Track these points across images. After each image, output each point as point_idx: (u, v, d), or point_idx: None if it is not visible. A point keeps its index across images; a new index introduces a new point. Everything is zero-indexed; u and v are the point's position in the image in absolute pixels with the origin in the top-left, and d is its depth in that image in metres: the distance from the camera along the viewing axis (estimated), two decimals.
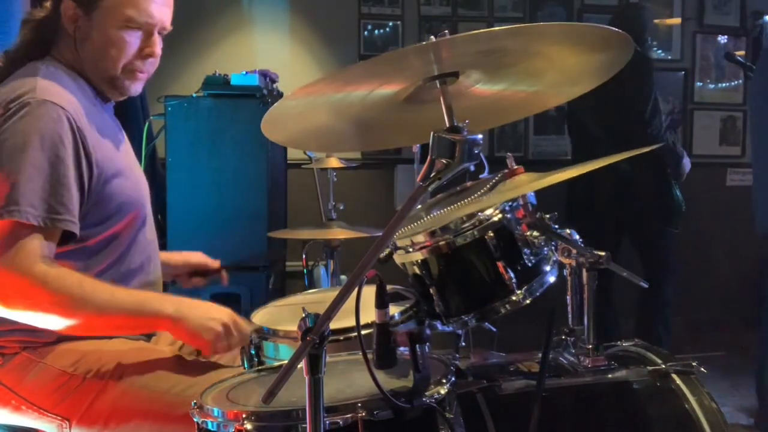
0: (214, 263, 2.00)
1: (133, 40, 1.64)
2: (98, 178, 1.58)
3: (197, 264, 1.99)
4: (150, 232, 1.77)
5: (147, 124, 3.52)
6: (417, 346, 1.20)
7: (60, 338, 1.59)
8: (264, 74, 3.65)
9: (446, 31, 1.19)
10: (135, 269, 1.69)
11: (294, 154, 4.13)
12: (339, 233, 2.90)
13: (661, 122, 3.89)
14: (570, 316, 1.52)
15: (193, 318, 1.55)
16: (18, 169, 1.47)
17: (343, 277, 3.11)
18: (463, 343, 1.72)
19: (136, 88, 1.71)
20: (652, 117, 3.75)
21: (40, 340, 1.58)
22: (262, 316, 1.64)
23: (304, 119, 1.44)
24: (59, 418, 1.55)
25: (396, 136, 1.69)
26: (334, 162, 3.14)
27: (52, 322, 1.50)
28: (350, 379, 1.28)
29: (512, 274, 1.41)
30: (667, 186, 3.82)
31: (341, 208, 3.09)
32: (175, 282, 2.02)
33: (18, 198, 1.46)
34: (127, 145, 1.79)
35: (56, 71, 1.63)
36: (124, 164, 1.69)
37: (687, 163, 3.92)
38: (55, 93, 1.55)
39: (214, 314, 1.57)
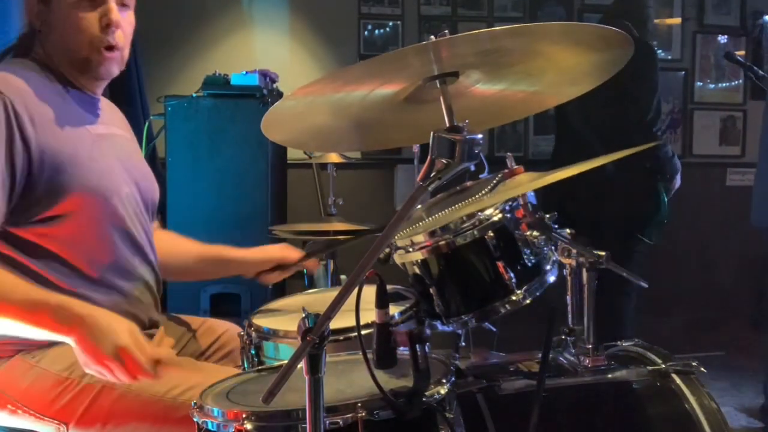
0: (294, 255, 1.91)
1: (88, 15, 1.63)
2: (40, 165, 1.54)
3: (279, 258, 1.91)
4: (135, 224, 1.71)
5: (147, 124, 3.53)
6: (417, 346, 1.20)
7: (55, 341, 1.56)
8: (264, 74, 3.65)
9: (446, 31, 1.19)
10: (120, 268, 1.65)
11: (294, 153, 4.13)
12: (339, 227, 2.90)
13: (659, 111, 3.61)
14: (570, 316, 1.52)
15: (86, 335, 1.42)
16: None
17: (343, 277, 3.11)
18: (463, 343, 1.72)
19: (107, 68, 1.68)
20: (656, 117, 3.52)
21: (35, 343, 1.56)
22: (262, 316, 1.64)
23: (304, 119, 1.44)
24: (56, 421, 1.54)
25: (396, 136, 1.69)
26: (333, 157, 3.15)
27: None
28: (350, 379, 1.28)
29: (512, 274, 1.41)
30: (653, 192, 3.55)
31: (341, 203, 3.09)
32: (257, 278, 1.93)
33: None
34: (106, 142, 1.73)
35: (18, 64, 1.64)
36: (85, 155, 1.63)
37: (678, 179, 3.66)
38: (2, 82, 1.55)
39: (108, 336, 1.41)
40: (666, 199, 3.59)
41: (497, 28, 1.19)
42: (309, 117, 1.42)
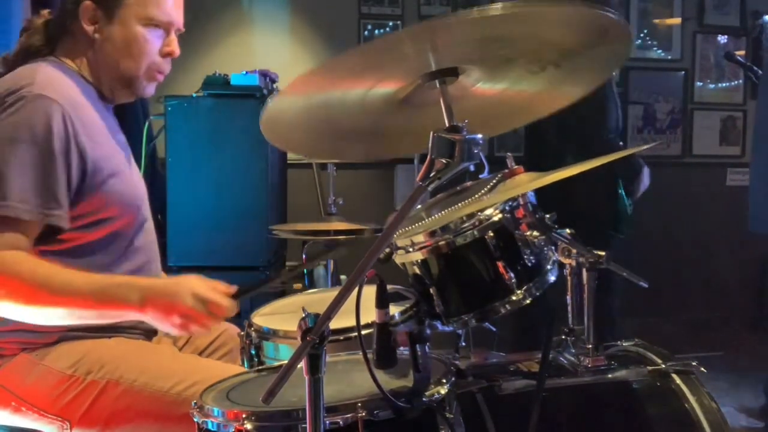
0: None
1: (155, 38, 1.66)
2: (92, 176, 1.57)
3: None
4: (149, 234, 1.76)
5: (147, 124, 3.52)
6: (417, 346, 1.20)
7: (59, 339, 1.59)
8: (264, 74, 3.65)
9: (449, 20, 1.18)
10: (133, 272, 1.68)
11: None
12: (339, 226, 2.90)
13: (619, 126, 3.54)
14: (570, 316, 1.52)
15: (159, 301, 1.46)
16: (7, 162, 1.46)
17: (343, 277, 3.11)
18: (463, 343, 1.72)
19: (150, 89, 1.73)
20: (607, 118, 3.42)
21: (40, 341, 1.58)
22: (262, 316, 1.64)
23: (304, 126, 1.43)
24: (59, 419, 1.54)
25: (397, 144, 1.68)
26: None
27: (12, 309, 1.46)
28: (350, 379, 1.28)
29: (512, 274, 1.41)
30: (611, 186, 3.48)
31: (341, 202, 3.09)
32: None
33: (8, 193, 1.45)
34: (126, 149, 1.78)
35: (58, 68, 1.63)
36: (122, 167, 1.68)
37: (646, 177, 3.53)
38: (53, 88, 1.55)
39: (181, 292, 1.46)
40: (624, 193, 3.51)
41: (492, 7, 1.12)
42: (308, 122, 1.42)
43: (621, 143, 3.55)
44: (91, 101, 1.66)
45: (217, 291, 1.47)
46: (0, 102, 1.52)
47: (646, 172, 3.52)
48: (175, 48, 1.70)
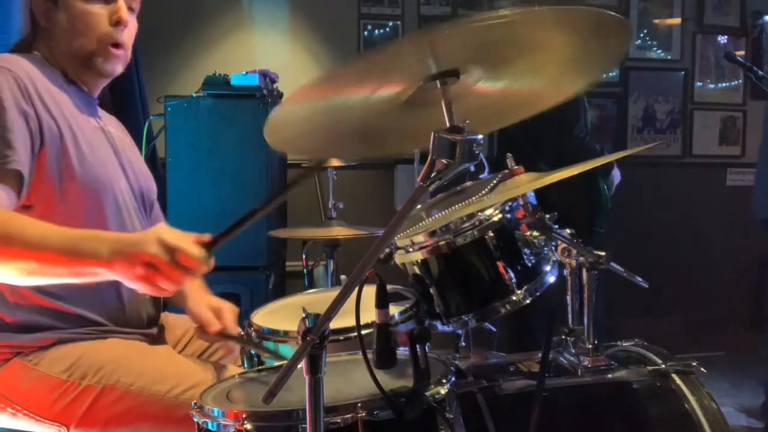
0: (215, 325, 1.71)
1: (97, 10, 1.65)
2: (50, 141, 1.54)
3: (205, 321, 1.73)
4: (132, 227, 1.70)
5: (147, 124, 3.52)
6: (417, 346, 1.20)
7: (53, 342, 1.57)
8: (264, 74, 3.65)
9: (447, 31, 1.18)
10: None
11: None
12: (339, 232, 2.89)
13: (587, 125, 3.62)
14: (570, 316, 1.52)
15: (124, 252, 1.35)
16: None
17: (343, 277, 3.10)
18: (463, 343, 1.72)
19: (112, 66, 1.70)
20: (576, 119, 3.51)
21: (34, 345, 1.56)
22: (262, 316, 1.64)
23: (307, 128, 1.43)
24: (57, 424, 1.53)
25: (399, 143, 1.68)
26: (333, 161, 3.14)
27: None
28: (350, 379, 1.28)
29: (512, 274, 1.41)
30: (593, 182, 3.58)
31: (341, 207, 3.09)
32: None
33: None
34: (103, 135, 1.74)
35: (21, 56, 1.64)
36: (88, 141, 1.63)
37: (616, 175, 3.67)
38: (8, 62, 1.56)
39: (146, 239, 1.34)
40: (606, 188, 3.62)
41: (488, 15, 1.12)
42: (311, 123, 1.41)
43: (592, 142, 3.62)
44: (55, 83, 1.64)
45: (186, 239, 1.35)
46: None
47: (616, 170, 3.64)
48: (124, 14, 1.67)
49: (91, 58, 1.67)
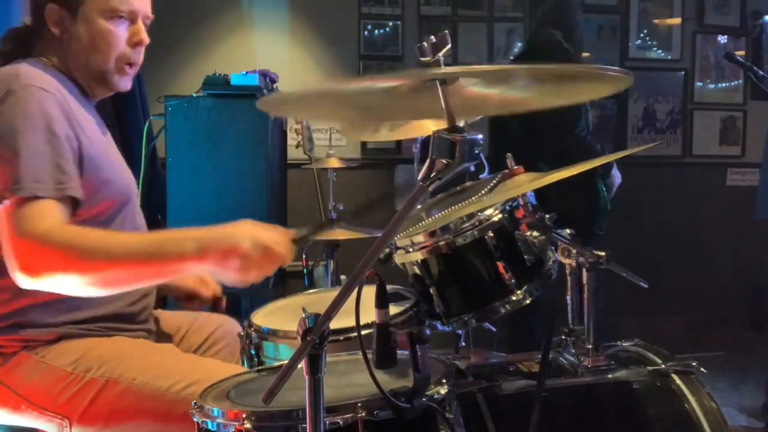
0: (206, 292, 1.93)
1: (120, 30, 1.66)
2: (86, 155, 1.57)
3: (192, 290, 1.92)
4: (139, 226, 1.75)
5: (147, 124, 3.52)
6: (417, 346, 1.20)
7: (60, 336, 1.59)
8: (264, 74, 3.65)
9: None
10: None
11: (294, 153, 4.13)
12: (339, 234, 2.89)
13: (589, 124, 3.57)
14: (570, 316, 1.52)
15: (217, 247, 1.44)
16: (16, 152, 1.46)
17: (343, 277, 3.11)
18: (463, 343, 1.73)
19: (125, 83, 1.72)
20: (578, 117, 3.47)
21: (42, 338, 1.58)
22: (262, 316, 1.64)
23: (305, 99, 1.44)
24: (59, 416, 1.54)
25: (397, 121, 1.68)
26: (334, 162, 3.14)
27: (75, 282, 1.44)
28: (350, 379, 1.28)
29: (512, 274, 1.41)
30: (591, 184, 3.55)
31: (341, 208, 3.09)
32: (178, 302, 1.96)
33: (21, 177, 1.44)
34: (111, 142, 1.77)
35: (36, 66, 1.63)
36: (105, 154, 1.67)
37: (617, 177, 3.63)
38: (38, 79, 1.56)
39: (238, 235, 1.45)
40: (605, 190, 3.59)
41: (495, 67, 1.17)
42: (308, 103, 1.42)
43: (594, 142, 3.57)
44: (72, 94, 1.65)
45: (275, 237, 1.47)
46: None
47: (616, 170, 3.60)
48: (144, 36, 1.68)
49: (106, 75, 1.68)
